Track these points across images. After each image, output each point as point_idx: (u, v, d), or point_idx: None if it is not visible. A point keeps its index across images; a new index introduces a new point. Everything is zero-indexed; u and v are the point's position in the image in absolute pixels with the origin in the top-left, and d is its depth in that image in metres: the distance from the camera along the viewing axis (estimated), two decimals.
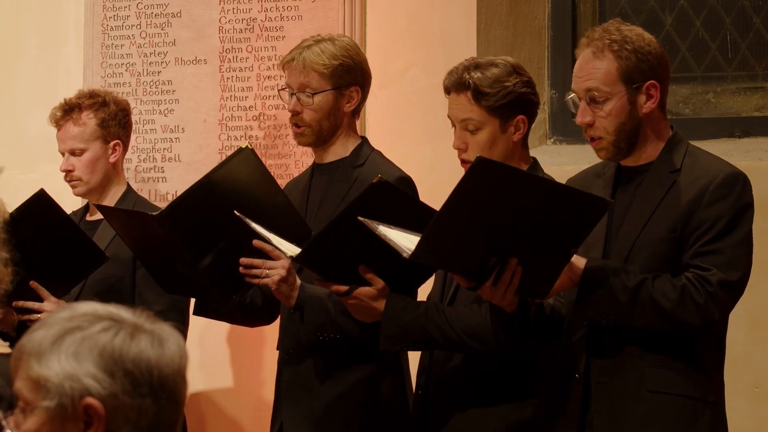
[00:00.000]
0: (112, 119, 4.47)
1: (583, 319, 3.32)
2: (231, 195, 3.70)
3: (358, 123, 4.13)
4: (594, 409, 3.32)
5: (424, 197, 3.57)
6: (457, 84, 3.58)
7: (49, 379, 1.92)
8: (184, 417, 4.60)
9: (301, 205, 4.00)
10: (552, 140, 5.02)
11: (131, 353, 1.94)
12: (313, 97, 3.97)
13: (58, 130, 4.49)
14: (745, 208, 3.29)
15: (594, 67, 3.34)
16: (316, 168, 4.09)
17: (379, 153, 4.08)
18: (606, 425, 3.31)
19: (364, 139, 4.09)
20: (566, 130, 4.98)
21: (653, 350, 3.29)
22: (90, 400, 1.91)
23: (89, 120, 4.46)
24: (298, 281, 3.75)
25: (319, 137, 4.01)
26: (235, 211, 3.63)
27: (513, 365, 3.54)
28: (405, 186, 3.85)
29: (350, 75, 4.00)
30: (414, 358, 3.84)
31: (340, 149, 4.03)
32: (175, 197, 4.28)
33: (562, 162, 4.78)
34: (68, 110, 4.47)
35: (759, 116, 4.82)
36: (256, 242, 3.64)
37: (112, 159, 4.47)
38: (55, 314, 1.99)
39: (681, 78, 4.91)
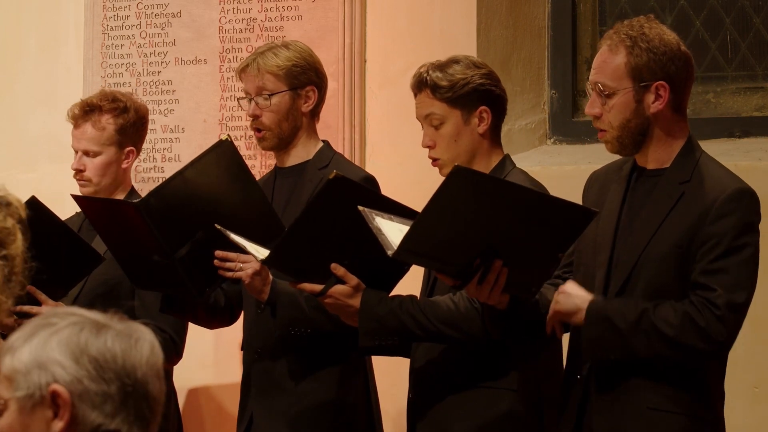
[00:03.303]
0: (131, 126, 4.44)
1: (589, 359, 3.30)
2: (208, 187, 3.74)
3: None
4: (594, 421, 3.31)
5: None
6: (417, 83, 3.66)
7: (18, 370, 1.98)
8: (179, 415, 4.60)
9: (274, 209, 4.03)
10: (552, 140, 5.02)
11: (97, 343, 1.99)
12: (270, 99, 4.03)
13: (76, 127, 4.46)
14: (751, 225, 3.25)
15: (605, 61, 3.34)
16: (278, 171, 4.13)
17: (341, 155, 4.16)
18: None
19: (326, 143, 4.13)
20: (566, 130, 4.98)
21: (654, 366, 3.26)
22: (56, 386, 1.96)
23: (108, 125, 4.43)
24: (271, 276, 3.78)
25: (280, 140, 4.06)
26: (216, 225, 3.66)
27: (488, 359, 3.54)
28: (370, 186, 3.88)
29: (305, 75, 4.05)
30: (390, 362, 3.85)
31: (302, 152, 4.08)
32: None
33: (562, 162, 4.78)
34: (88, 111, 4.43)
35: (759, 116, 4.82)
36: (235, 240, 3.67)
37: (124, 165, 4.45)
38: (31, 320, 2.06)
39: None
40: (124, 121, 4.43)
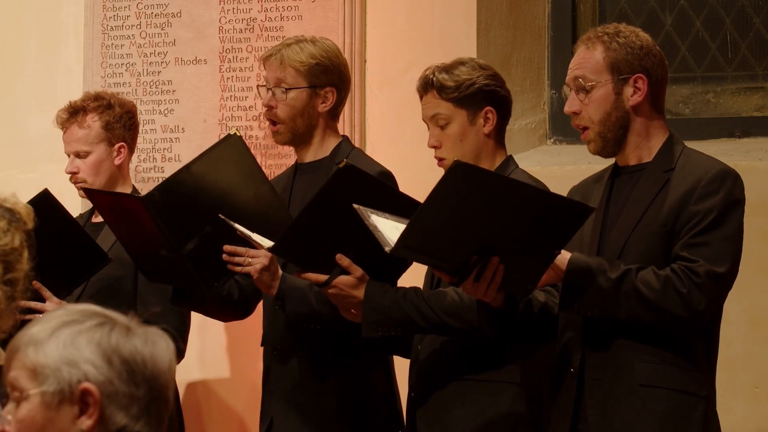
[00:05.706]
0: (117, 122, 4.48)
1: (568, 312, 3.34)
2: (215, 181, 3.73)
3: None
4: (588, 405, 3.33)
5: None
6: (424, 85, 3.73)
7: (47, 365, 1.99)
8: (180, 411, 4.60)
9: (284, 204, 4.02)
10: (552, 140, 5.03)
11: (128, 346, 2.03)
12: (287, 93, 4.01)
13: (64, 132, 4.51)
14: (735, 203, 3.30)
15: (583, 58, 3.42)
16: (298, 167, 4.13)
17: (360, 150, 4.15)
18: (599, 421, 3.32)
19: (345, 138, 4.13)
20: (566, 130, 4.98)
21: (646, 345, 3.30)
22: (87, 384, 1.99)
23: (94, 123, 4.47)
24: (280, 271, 3.77)
25: (294, 135, 4.05)
26: (220, 215, 3.65)
27: (491, 352, 3.55)
28: (386, 181, 3.88)
29: (327, 75, 4.03)
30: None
31: (320, 149, 4.07)
32: None
33: (562, 162, 4.78)
34: (73, 113, 4.48)
35: (759, 116, 4.82)
36: (240, 230, 3.66)
37: (117, 161, 4.48)
38: (50, 313, 2.08)
39: (681, 78, 4.91)
40: (109, 118, 4.46)
